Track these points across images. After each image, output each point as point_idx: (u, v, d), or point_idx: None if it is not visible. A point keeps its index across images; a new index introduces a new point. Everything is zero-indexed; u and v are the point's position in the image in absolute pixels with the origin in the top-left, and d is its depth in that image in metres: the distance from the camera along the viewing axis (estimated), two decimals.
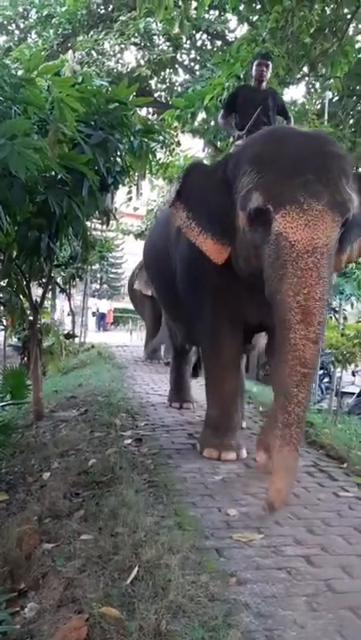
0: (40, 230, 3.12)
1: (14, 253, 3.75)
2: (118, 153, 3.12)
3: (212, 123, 7.81)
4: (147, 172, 4.59)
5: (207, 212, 3.53)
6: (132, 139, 3.24)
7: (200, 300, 4.14)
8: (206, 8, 7.73)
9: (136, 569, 2.29)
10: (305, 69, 6.57)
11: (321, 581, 2.28)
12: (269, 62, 4.87)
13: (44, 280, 5.61)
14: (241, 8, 6.51)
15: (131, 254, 25.94)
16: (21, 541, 2.74)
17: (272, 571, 2.37)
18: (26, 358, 7.14)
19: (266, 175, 3.00)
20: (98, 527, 2.80)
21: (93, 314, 23.17)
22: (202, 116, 6.86)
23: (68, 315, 13.22)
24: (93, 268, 16.44)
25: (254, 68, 4.78)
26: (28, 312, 5.31)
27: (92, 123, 3.05)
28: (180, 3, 5.63)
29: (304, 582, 2.27)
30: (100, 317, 24.51)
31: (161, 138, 3.82)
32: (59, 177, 2.98)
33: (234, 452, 4.02)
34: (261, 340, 4.45)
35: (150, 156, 3.78)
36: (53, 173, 2.93)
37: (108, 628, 1.97)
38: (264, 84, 4.78)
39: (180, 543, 2.49)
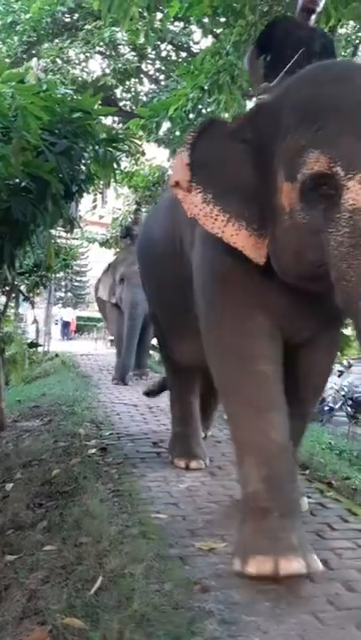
0: (3, 238, 3.09)
1: None
2: (83, 161, 3.13)
3: (177, 133, 7.87)
4: (111, 180, 4.58)
5: (236, 191, 2.36)
6: (96, 147, 3.25)
7: None
8: (171, 19, 7.81)
9: (100, 579, 2.28)
10: None
11: (283, 587, 2.30)
12: None
13: (6, 288, 5.56)
14: (205, 20, 6.59)
15: (96, 262, 25.79)
16: None
17: (236, 578, 2.37)
18: None
19: (326, 126, 2.05)
20: (61, 538, 2.78)
21: (56, 322, 22.94)
22: (167, 125, 6.92)
23: (33, 323, 13.10)
24: (58, 276, 16.30)
25: None
26: None
27: (56, 131, 3.06)
28: (146, 14, 5.69)
29: (267, 588, 2.28)
30: (64, 326, 24.33)
31: (126, 147, 3.79)
32: (22, 185, 2.98)
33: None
34: None
35: (115, 165, 3.78)
36: (17, 181, 2.93)
37: (72, 639, 1.95)
38: (313, 19, 3.44)
39: (145, 552, 2.49)
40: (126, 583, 2.23)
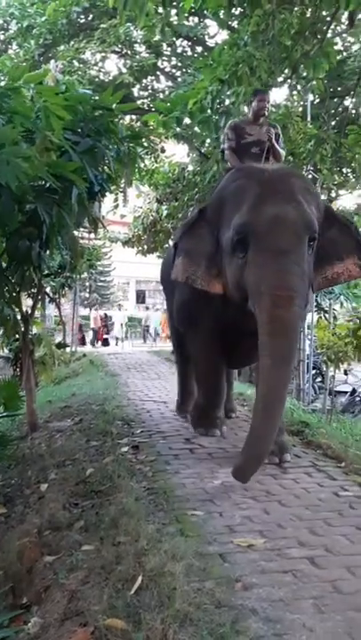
0: (30, 240, 3.09)
1: (3, 264, 3.70)
2: (106, 160, 3.09)
3: (196, 128, 7.82)
4: (133, 178, 4.57)
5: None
6: (118, 145, 3.22)
7: None
8: (186, 14, 7.76)
9: (140, 578, 2.27)
10: (287, 72, 6.58)
11: (327, 583, 2.26)
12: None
13: (33, 290, 5.58)
14: (221, 13, 6.52)
15: (119, 262, 25.90)
16: (22, 555, 2.71)
17: (277, 574, 2.35)
18: (18, 369, 7.08)
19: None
20: (99, 537, 2.77)
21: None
22: (186, 120, 6.86)
23: (59, 324, 13.20)
24: (82, 276, 16.41)
25: None
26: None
27: (79, 130, 3.04)
28: (161, 9, 5.64)
29: (310, 584, 2.25)
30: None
31: (146, 144, 3.77)
32: (47, 185, 2.97)
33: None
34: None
35: (138, 162, 3.75)
36: (42, 182, 2.92)
37: None
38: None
39: (184, 550, 2.47)
40: (167, 582, 2.21)
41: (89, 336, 21.63)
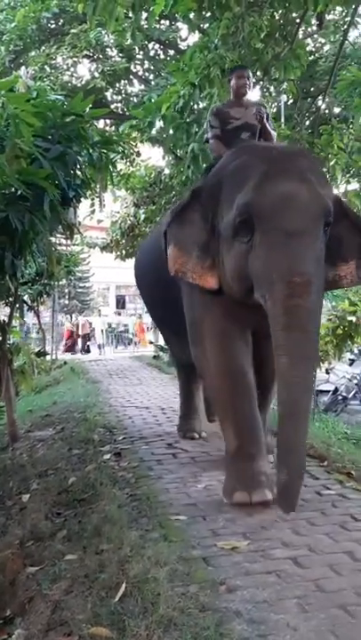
0: (3, 248, 3.07)
1: None
2: (78, 166, 3.08)
3: (171, 131, 7.83)
4: (108, 183, 4.56)
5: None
6: (90, 151, 3.21)
7: None
8: (157, 17, 7.78)
9: (124, 585, 2.26)
10: (258, 74, 6.63)
11: (310, 582, 2.27)
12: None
13: (10, 299, 5.53)
14: (191, 16, 6.55)
15: (98, 267, 25.74)
16: (4, 567, 2.68)
17: (261, 575, 2.35)
18: None
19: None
20: (82, 546, 2.76)
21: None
22: (159, 124, 6.87)
23: (38, 332, 13.10)
24: (61, 283, 16.30)
25: None
26: None
27: (50, 137, 3.02)
28: (131, 13, 5.65)
29: (294, 584, 2.25)
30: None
31: (120, 149, 3.78)
32: (18, 193, 2.95)
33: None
34: None
35: (111, 168, 3.75)
36: (13, 190, 2.89)
37: None
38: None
39: (167, 555, 2.46)
40: (151, 588, 2.20)
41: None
